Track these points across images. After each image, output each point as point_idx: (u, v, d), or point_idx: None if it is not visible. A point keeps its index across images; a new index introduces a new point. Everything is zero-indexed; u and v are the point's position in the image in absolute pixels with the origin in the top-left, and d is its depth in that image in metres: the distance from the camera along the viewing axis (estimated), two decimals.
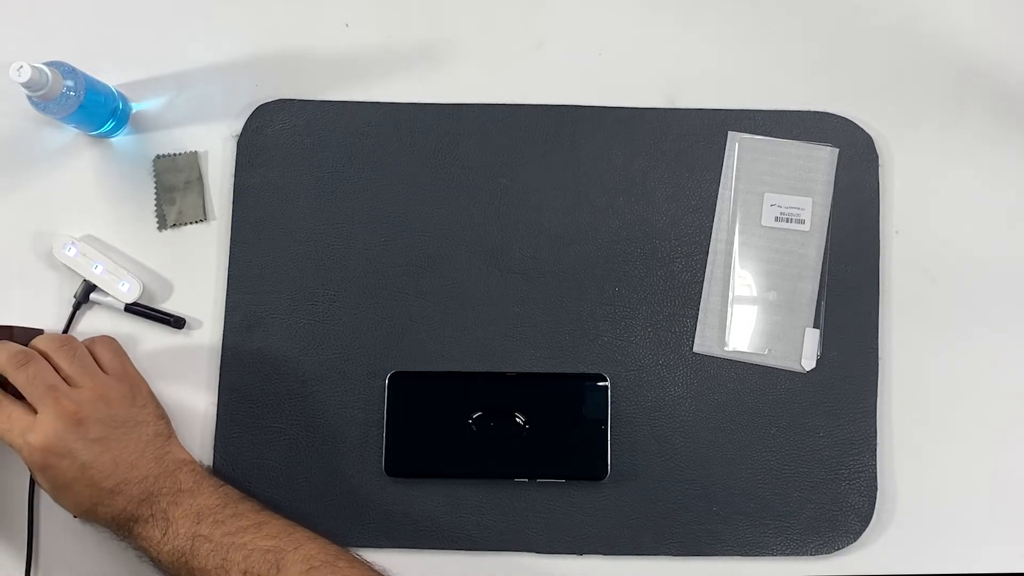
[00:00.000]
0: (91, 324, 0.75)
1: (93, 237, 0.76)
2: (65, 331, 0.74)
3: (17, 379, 0.66)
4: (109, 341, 0.73)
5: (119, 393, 0.69)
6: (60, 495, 0.66)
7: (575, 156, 0.77)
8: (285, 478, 0.73)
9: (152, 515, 0.66)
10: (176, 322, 0.74)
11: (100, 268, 0.74)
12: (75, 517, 0.68)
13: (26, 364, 0.66)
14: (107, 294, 0.74)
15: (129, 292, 0.74)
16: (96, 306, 0.75)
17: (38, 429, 0.65)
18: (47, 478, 0.66)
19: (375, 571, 0.65)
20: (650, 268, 0.76)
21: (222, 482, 0.69)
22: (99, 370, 0.70)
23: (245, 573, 0.63)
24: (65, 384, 0.67)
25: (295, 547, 0.64)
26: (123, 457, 0.67)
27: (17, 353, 0.67)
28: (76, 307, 0.74)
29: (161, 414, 0.72)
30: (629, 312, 0.75)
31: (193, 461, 0.70)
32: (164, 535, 0.65)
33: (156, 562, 0.66)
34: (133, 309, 0.74)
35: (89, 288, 0.74)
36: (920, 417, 0.75)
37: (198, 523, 0.65)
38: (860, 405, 0.74)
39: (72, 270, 0.74)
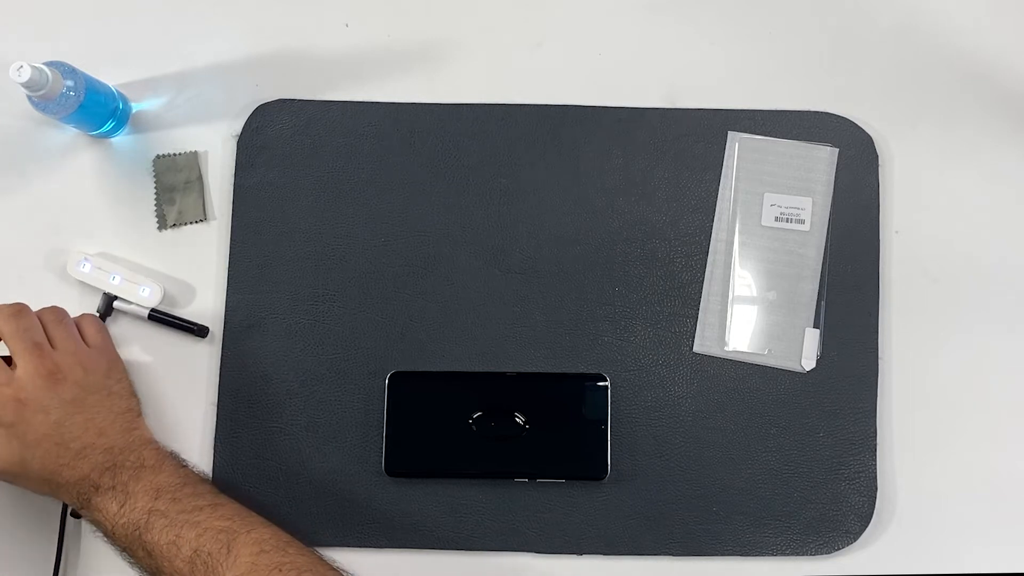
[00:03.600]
0: (114, 334, 0.75)
1: (92, 237, 0.76)
2: None
3: (6, 328, 0.67)
4: (94, 319, 0.73)
5: (97, 363, 0.70)
6: (27, 454, 0.66)
7: (575, 156, 0.77)
8: (285, 478, 0.73)
9: (113, 486, 0.66)
10: (200, 330, 0.74)
11: (118, 279, 0.74)
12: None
13: (18, 315, 0.67)
14: (130, 302, 0.74)
15: (150, 296, 0.74)
16: (119, 316, 0.75)
17: (15, 383, 0.66)
18: (16, 434, 0.66)
19: (324, 562, 0.66)
20: (650, 268, 0.76)
21: (185, 463, 0.70)
22: (82, 340, 0.71)
23: (196, 551, 0.63)
24: (49, 344, 0.68)
25: (248, 530, 0.65)
26: (94, 422, 0.68)
27: (11, 304, 0.68)
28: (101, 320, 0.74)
29: (133, 392, 0.72)
30: (629, 312, 0.75)
31: (157, 442, 0.71)
32: (121, 508, 0.65)
33: (111, 535, 0.66)
34: (157, 317, 0.74)
35: (110, 300, 0.74)
36: (920, 417, 0.75)
37: (156, 499, 0.66)
38: (860, 405, 0.74)
39: (90, 285, 0.74)
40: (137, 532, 0.65)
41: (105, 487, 0.66)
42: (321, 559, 0.66)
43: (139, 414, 0.72)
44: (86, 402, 0.68)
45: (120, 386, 0.71)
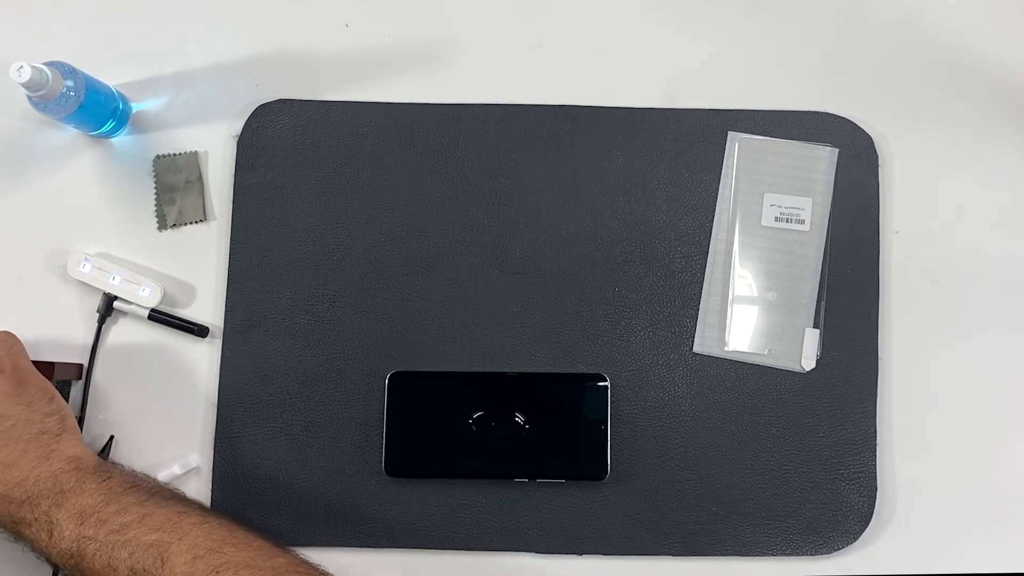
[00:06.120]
0: (114, 334, 0.75)
1: (92, 237, 0.76)
2: (93, 347, 0.74)
3: None
4: (5, 337, 0.70)
5: (2, 390, 0.66)
6: None
7: (575, 156, 0.77)
8: (285, 478, 0.73)
9: (36, 518, 0.64)
10: (200, 330, 0.74)
11: (118, 279, 0.74)
12: None
13: None
14: (130, 302, 0.74)
15: (150, 297, 0.74)
16: (119, 316, 0.75)
17: None
18: None
19: (270, 549, 0.64)
20: (650, 268, 0.76)
21: (109, 472, 0.66)
22: None
23: (132, 570, 0.62)
24: None
25: (179, 537, 0.63)
26: (0, 457, 0.65)
27: None
28: (101, 321, 0.74)
29: (53, 411, 0.68)
30: (629, 312, 0.75)
31: (81, 457, 0.67)
32: (51, 538, 0.63)
33: (50, 563, 0.65)
34: (156, 317, 0.74)
35: (110, 300, 0.74)
36: (920, 417, 0.75)
37: (82, 524, 0.63)
38: (860, 405, 0.74)
39: (90, 285, 0.74)
40: (73, 561, 0.63)
41: (27, 520, 0.64)
42: (263, 548, 0.64)
43: (59, 434, 0.67)
44: None
45: (32, 410, 0.66)
